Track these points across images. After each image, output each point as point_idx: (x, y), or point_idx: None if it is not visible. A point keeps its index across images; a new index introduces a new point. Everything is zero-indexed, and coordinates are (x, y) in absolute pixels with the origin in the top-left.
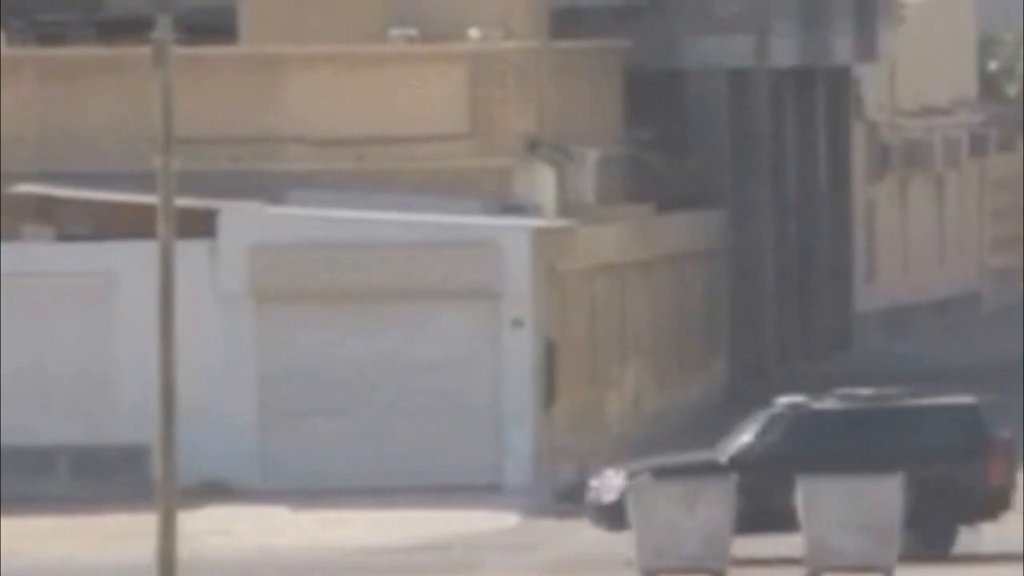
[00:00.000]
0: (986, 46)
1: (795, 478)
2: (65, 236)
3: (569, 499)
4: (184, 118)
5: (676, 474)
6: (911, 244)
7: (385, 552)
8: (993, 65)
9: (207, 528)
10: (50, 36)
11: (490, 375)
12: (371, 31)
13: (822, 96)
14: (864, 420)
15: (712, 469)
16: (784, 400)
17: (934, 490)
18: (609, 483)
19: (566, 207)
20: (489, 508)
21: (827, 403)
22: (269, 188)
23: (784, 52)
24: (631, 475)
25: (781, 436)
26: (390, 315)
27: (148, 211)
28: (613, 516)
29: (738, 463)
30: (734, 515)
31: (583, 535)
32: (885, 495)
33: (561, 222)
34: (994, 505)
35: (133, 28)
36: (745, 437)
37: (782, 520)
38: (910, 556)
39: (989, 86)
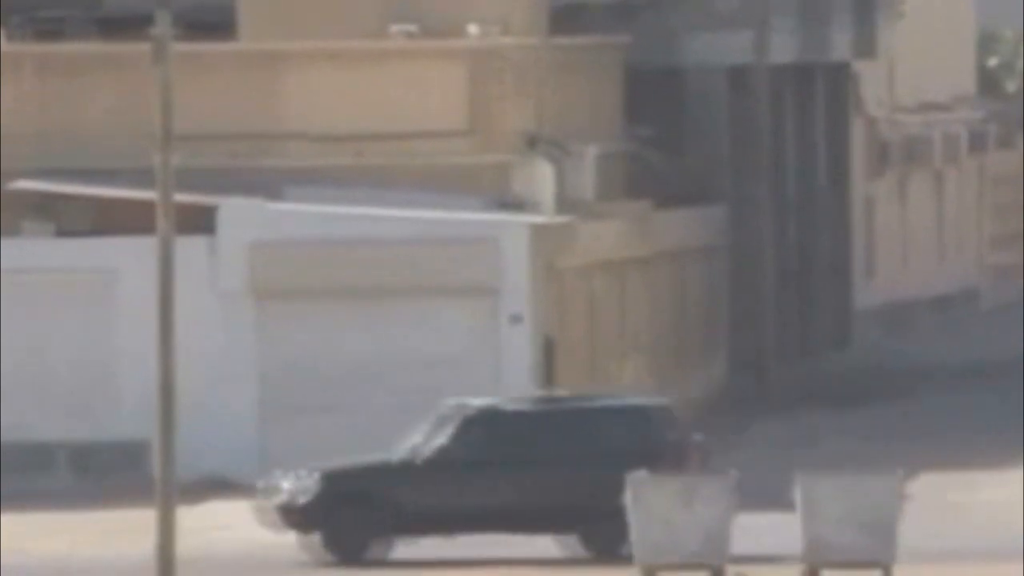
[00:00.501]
0: (986, 42)
1: (486, 478)
2: (64, 232)
3: None
4: (183, 114)
5: (358, 477)
6: (910, 240)
7: None
8: (993, 61)
9: (207, 524)
10: (49, 32)
11: (489, 371)
12: (370, 27)
13: (821, 92)
14: (553, 421)
15: (403, 470)
16: (475, 401)
17: (609, 492)
18: (302, 484)
19: (565, 203)
20: None
21: (517, 404)
22: (268, 184)
23: (783, 48)
24: (324, 477)
25: (471, 437)
26: (389, 311)
27: (147, 207)
28: (306, 517)
29: (430, 464)
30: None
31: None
32: (884, 491)
33: (560, 218)
34: None
35: (132, 24)
36: (437, 439)
37: (474, 520)
38: (583, 559)
39: (989, 82)
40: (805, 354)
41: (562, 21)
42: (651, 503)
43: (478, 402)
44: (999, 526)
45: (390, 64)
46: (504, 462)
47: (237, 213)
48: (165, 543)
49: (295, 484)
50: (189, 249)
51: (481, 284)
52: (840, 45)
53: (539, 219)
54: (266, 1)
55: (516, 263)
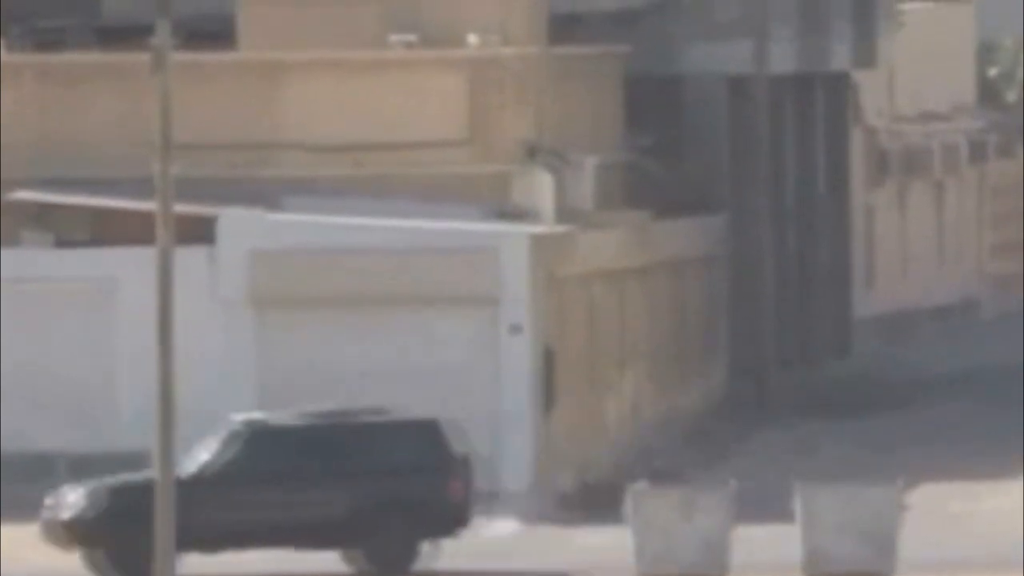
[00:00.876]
0: (985, 52)
1: (274, 494)
2: (64, 242)
3: (574, 506)
4: (183, 124)
5: (145, 493)
6: (910, 250)
7: None
8: (993, 71)
9: None
10: (49, 42)
11: (489, 381)
12: (370, 37)
13: (821, 102)
14: (322, 436)
15: (190, 486)
16: (241, 416)
17: (395, 506)
18: (89, 499)
19: (565, 213)
20: (488, 514)
21: (285, 419)
22: (267, 194)
23: (783, 58)
24: (111, 491)
25: (239, 452)
26: (389, 321)
27: (147, 217)
28: (91, 533)
29: (198, 479)
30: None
31: (582, 541)
32: (884, 501)
33: (560, 228)
34: (454, 521)
35: (132, 34)
36: (204, 454)
37: (261, 536)
38: (369, 573)
39: (988, 92)
40: (805, 363)
41: (561, 30)
42: (650, 513)
43: (266, 417)
44: (1000, 536)
45: (389, 74)
46: (292, 477)
47: (237, 223)
48: (165, 552)
49: (81, 499)
50: (189, 259)
51: (481, 294)
52: (840, 55)
53: (539, 229)
54: (265, 11)
55: (516, 273)
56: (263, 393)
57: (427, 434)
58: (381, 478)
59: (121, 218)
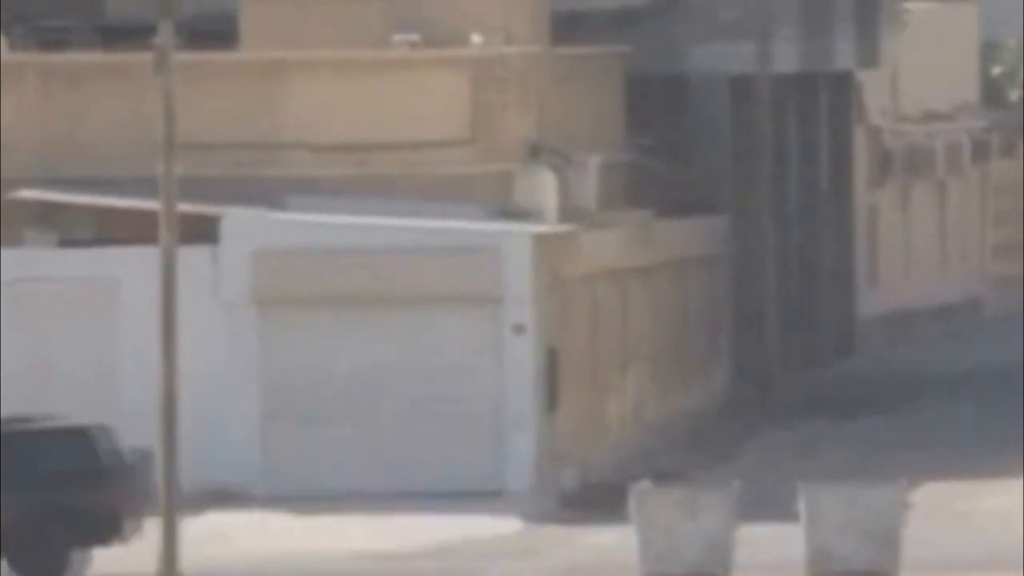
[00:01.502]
0: (989, 51)
1: None
2: (67, 242)
3: (575, 505)
4: (186, 124)
5: None
6: (913, 249)
7: (386, 558)
8: (996, 70)
9: (209, 534)
10: (52, 42)
11: (492, 381)
12: (373, 37)
13: (824, 101)
14: None
15: None
16: None
17: (48, 515)
18: None
19: (567, 213)
20: (491, 514)
21: None
22: (270, 194)
23: (786, 57)
24: None
25: None
26: (392, 321)
27: (150, 217)
28: None
29: None
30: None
31: (585, 540)
32: (887, 500)
33: (563, 228)
34: (107, 530)
35: (135, 34)
36: None
37: None
38: None
39: (991, 91)
40: (808, 363)
41: (564, 30)
42: (654, 513)
43: None
44: (1002, 535)
45: (392, 73)
46: None
47: (240, 223)
48: (168, 553)
49: None
50: (192, 258)
51: (484, 293)
52: (843, 54)
53: (542, 228)
54: (268, 11)
55: (519, 272)
56: (266, 393)
57: (81, 442)
58: (37, 487)
59: (124, 218)
